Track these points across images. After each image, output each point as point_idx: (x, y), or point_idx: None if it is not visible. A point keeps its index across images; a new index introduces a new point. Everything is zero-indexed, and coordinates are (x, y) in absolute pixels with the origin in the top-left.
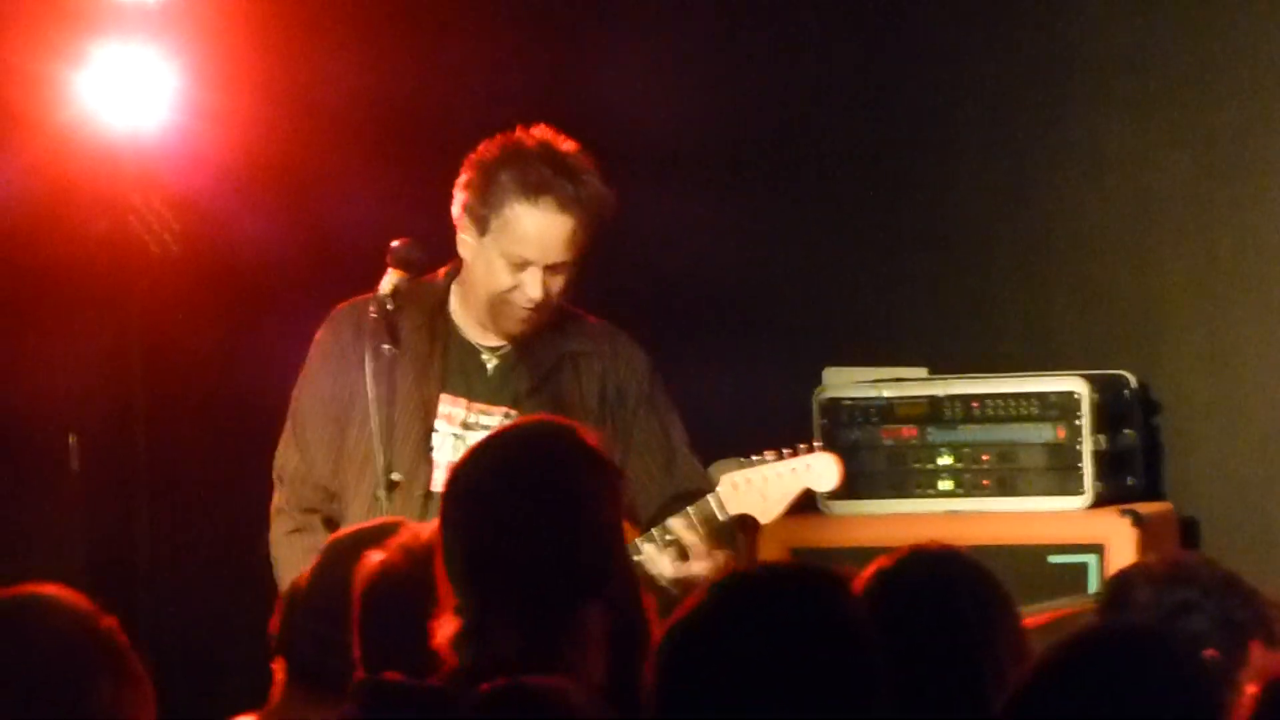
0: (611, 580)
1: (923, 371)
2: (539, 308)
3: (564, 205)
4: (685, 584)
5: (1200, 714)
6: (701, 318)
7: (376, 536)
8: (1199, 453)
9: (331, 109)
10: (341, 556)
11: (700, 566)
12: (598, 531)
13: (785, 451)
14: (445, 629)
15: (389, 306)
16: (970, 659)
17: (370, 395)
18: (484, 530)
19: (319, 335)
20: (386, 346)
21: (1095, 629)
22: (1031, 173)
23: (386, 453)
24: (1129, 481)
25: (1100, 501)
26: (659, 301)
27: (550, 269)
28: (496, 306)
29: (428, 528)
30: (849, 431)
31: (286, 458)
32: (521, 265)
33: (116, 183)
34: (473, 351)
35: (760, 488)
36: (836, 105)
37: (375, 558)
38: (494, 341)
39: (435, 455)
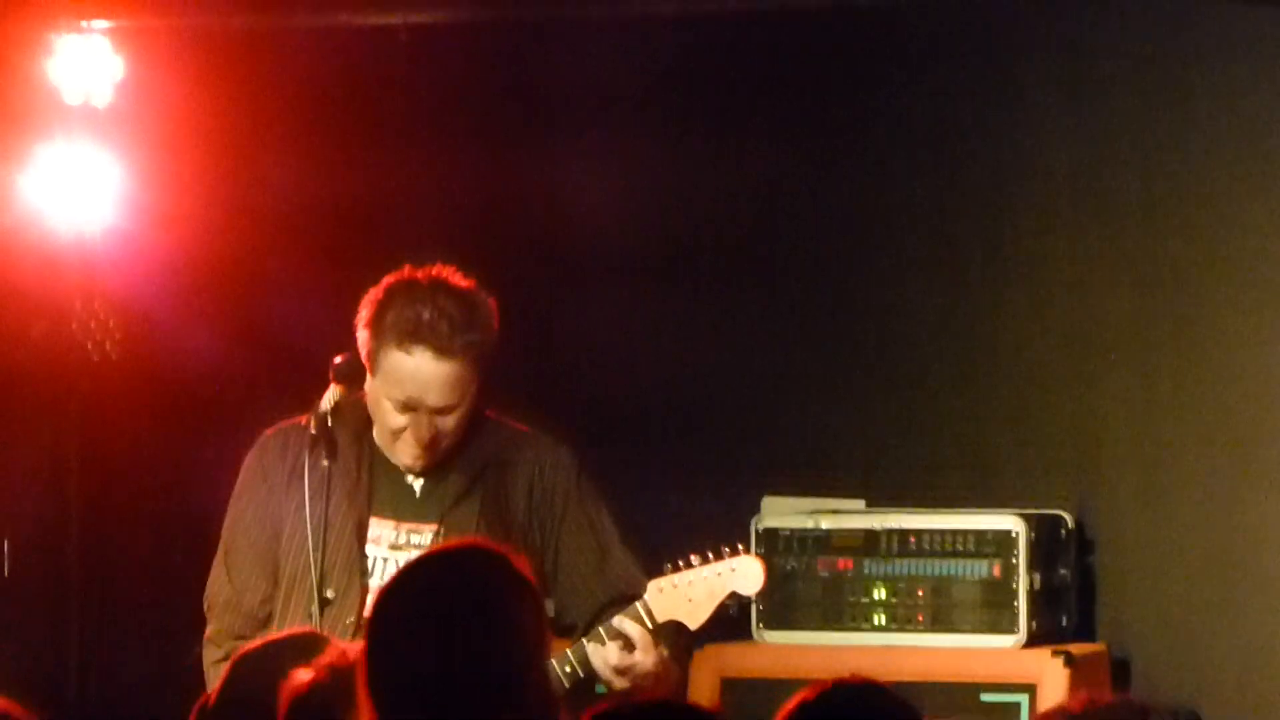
0: (528, 696)
1: (860, 504)
2: (429, 446)
3: (440, 353)
4: (630, 673)
5: None
6: (640, 440)
7: (287, 648)
8: (1132, 592)
9: (277, 214)
10: (250, 668)
11: (645, 657)
12: (516, 649)
13: (710, 555)
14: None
15: (329, 423)
16: None
17: (308, 513)
18: (405, 648)
19: (247, 461)
20: (325, 463)
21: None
22: (973, 300)
23: (318, 570)
24: (1063, 621)
25: (1033, 640)
26: (597, 420)
27: (436, 411)
28: (392, 443)
29: (354, 647)
30: (785, 561)
31: (217, 587)
32: (405, 408)
33: (58, 285)
34: (397, 472)
35: (686, 592)
36: (780, 227)
37: (303, 676)
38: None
39: (370, 580)
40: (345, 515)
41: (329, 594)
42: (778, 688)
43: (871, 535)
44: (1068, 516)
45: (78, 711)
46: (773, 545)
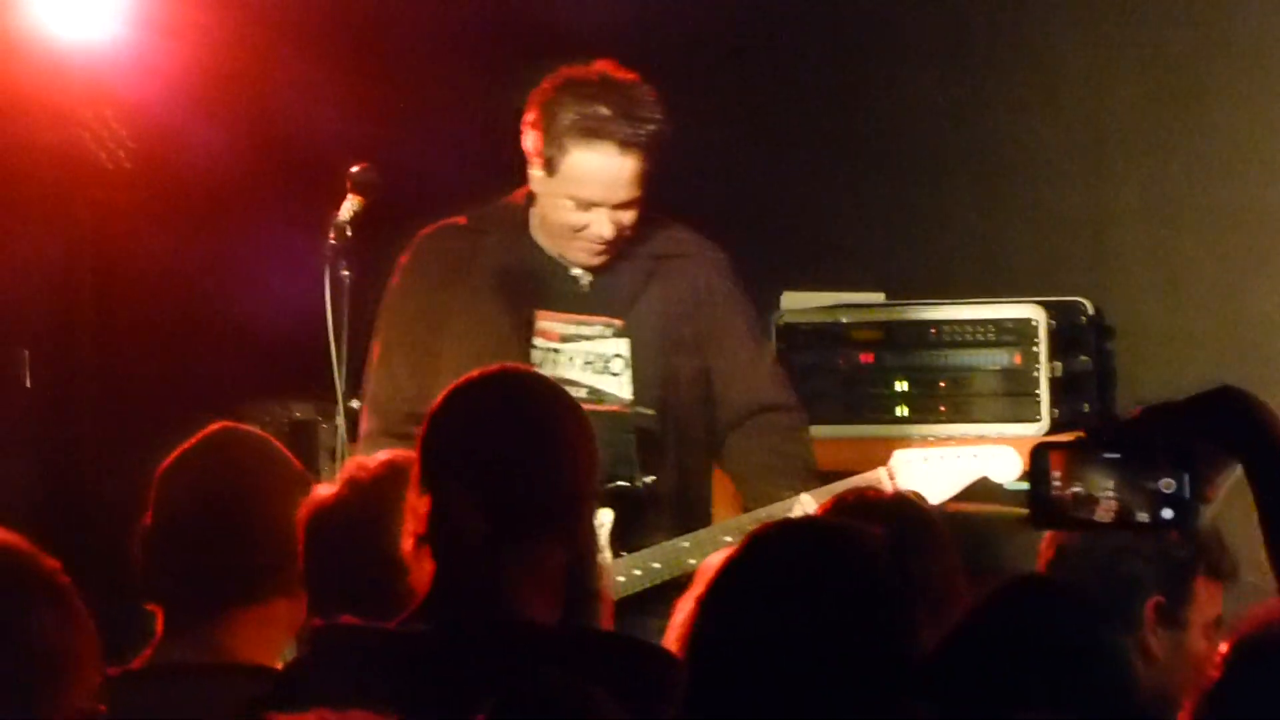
0: (578, 521)
1: (880, 296)
2: (611, 243)
3: (624, 148)
4: None
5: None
6: None
7: (208, 451)
8: (1152, 378)
9: (285, 16)
10: (173, 480)
11: None
12: (570, 468)
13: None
14: (411, 526)
15: (348, 232)
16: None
17: (330, 319)
18: (441, 467)
19: (403, 262)
20: (345, 273)
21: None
22: (987, 96)
23: (342, 379)
24: (1084, 408)
25: (1055, 427)
26: None
27: (618, 206)
28: (569, 241)
29: (374, 460)
30: (805, 355)
31: (376, 383)
32: (588, 206)
33: (66, 94)
34: (562, 269)
35: (937, 466)
36: (792, 21)
37: (323, 490)
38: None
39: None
40: (505, 315)
41: (355, 404)
42: None
43: (891, 327)
44: (1087, 303)
45: (93, 519)
46: (793, 340)
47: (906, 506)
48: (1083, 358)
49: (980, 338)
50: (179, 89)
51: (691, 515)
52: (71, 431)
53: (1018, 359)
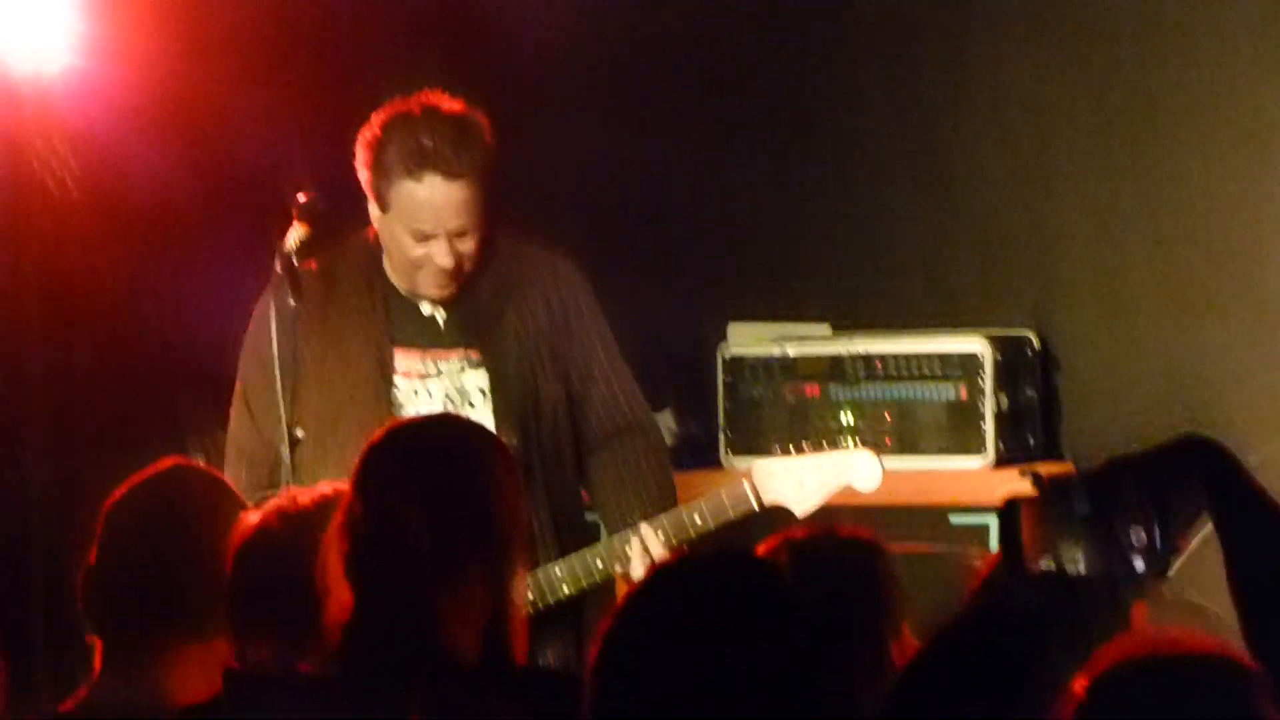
0: (511, 567)
1: (826, 328)
2: (453, 273)
3: (450, 175)
4: None
5: None
6: (606, 268)
7: (158, 486)
8: (1097, 411)
9: (234, 45)
10: (123, 517)
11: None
12: (510, 510)
13: (823, 444)
14: (339, 549)
15: (294, 262)
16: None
17: (275, 351)
18: (387, 494)
19: (257, 310)
20: (292, 302)
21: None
22: (933, 122)
23: (289, 412)
24: (1029, 441)
25: (1001, 461)
26: (560, 247)
27: (455, 235)
28: (414, 274)
29: (306, 493)
30: (752, 387)
31: (236, 426)
32: (424, 238)
33: (16, 123)
34: (413, 305)
35: (798, 476)
36: (740, 50)
37: (251, 519)
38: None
39: (401, 411)
40: (365, 352)
41: (299, 433)
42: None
43: (837, 360)
44: (1033, 337)
45: (42, 534)
46: (739, 372)
47: (853, 546)
48: (1029, 391)
49: (926, 371)
50: (127, 117)
51: (569, 541)
52: (17, 460)
53: (963, 392)
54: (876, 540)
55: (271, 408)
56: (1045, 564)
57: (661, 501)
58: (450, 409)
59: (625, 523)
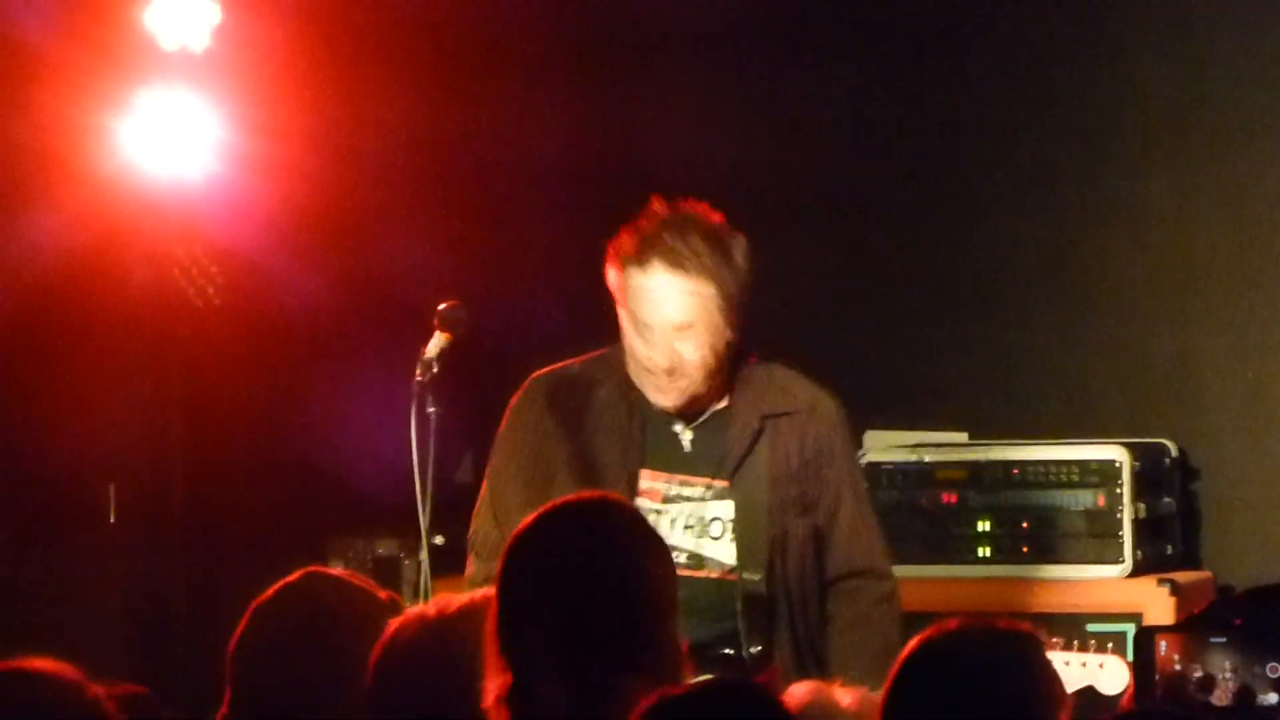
0: (661, 658)
1: (963, 436)
2: (673, 374)
3: (673, 264)
4: None
5: None
6: None
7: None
8: (1236, 520)
9: (377, 156)
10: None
11: None
12: (650, 607)
13: (1080, 644)
14: (493, 687)
15: (434, 369)
16: None
17: (415, 456)
18: (540, 591)
19: (514, 403)
20: (432, 410)
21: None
22: (1074, 234)
23: (426, 514)
24: (1167, 550)
25: (1138, 570)
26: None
27: (677, 331)
28: (639, 375)
29: (456, 599)
30: (888, 494)
31: (481, 527)
32: (646, 329)
33: (159, 233)
34: (667, 423)
35: None
36: (880, 162)
37: (395, 625)
38: (687, 412)
39: None
40: (617, 468)
41: None
42: None
43: (975, 467)
44: (1171, 445)
45: (182, 658)
46: (876, 479)
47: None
48: (1167, 499)
49: (1064, 478)
50: (269, 227)
51: (812, 674)
52: (159, 567)
53: (1101, 500)
54: (1035, 632)
55: (512, 511)
56: (1195, 672)
57: (886, 654)
58: (689, 538)
59: (847, 669)
